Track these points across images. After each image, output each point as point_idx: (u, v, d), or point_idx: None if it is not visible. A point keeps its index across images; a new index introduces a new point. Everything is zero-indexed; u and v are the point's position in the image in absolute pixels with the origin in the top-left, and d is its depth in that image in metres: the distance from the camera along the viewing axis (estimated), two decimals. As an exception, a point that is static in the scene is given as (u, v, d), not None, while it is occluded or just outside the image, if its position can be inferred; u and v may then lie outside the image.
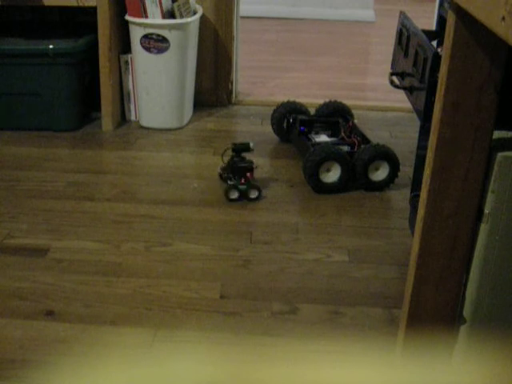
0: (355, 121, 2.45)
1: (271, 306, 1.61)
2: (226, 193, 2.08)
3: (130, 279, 1.70)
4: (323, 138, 2.35)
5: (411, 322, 1.22)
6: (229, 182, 2.13)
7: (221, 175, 2.22)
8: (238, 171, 2.12)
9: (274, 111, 2.56)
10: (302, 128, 2.38)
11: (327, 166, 2.14)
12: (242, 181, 2.10)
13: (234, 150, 2.13)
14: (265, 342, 1.48)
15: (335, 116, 2.50)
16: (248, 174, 2.12)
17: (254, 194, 2.11)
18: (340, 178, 2.15)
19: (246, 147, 2.14)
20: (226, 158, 2.18)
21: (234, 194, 2.09)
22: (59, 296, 1.62)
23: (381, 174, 2.19)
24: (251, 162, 2.14)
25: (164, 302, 1.61)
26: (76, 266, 1.74)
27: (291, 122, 2.44)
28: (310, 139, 2.35)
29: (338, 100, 2.57)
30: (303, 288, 1.68)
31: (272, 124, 2.57)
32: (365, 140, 2.35)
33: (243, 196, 2.10)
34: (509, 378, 1.08)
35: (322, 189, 2.16)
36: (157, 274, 1.72)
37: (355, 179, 2.19)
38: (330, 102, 2.57)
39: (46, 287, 1.65)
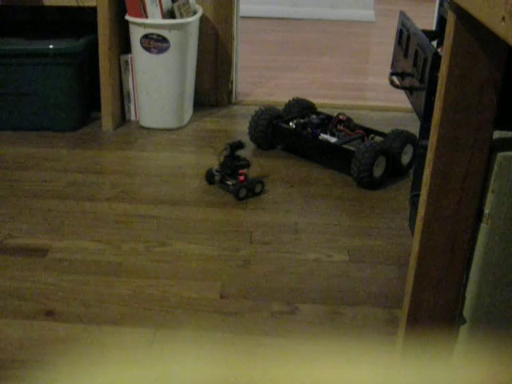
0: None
1: (271, 306, 1.61)
2: (237, 193, 2.09)
3: (129, 279, 1.70)
4: (333, 137, 2.36)
5: (411, 322, 1.22)
6: (228, 183, 2.14)
7: (210, 177, 2.19)
8: (236, 169, 2.14)
9: (257, 119, 2.45)
10: (315, 131, 2.39)
11: (378, 161, 2.18)
12: (242, 178, 2.12)
13: (231, 149, 2.14)
14: (265, 341, 1.48)
15: (308, 114, 2.53)
16: (245, 171, 2.16)
17: (258, 188, 2.14)
18: (385, 171, 2.22)
19: (240, 145, 2.17)
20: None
21: (243, 193, 2.11)
22: (59, 296, 1.62)
23: (408, 157, 2.29)
24: (246, 159, 2.18)
25: (164, 302, 1.61)
26: (76, 265, 1.74)
27: (296, 126, 2.42)
28: (325, 141, 2.34)
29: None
30: (303, 288, 1.68)
31: (253, 132, 2.47)
32: (363, 129, 2.42)
33: (250, 192, 2.12)
34: (509, 378, 1.08)
35: (373, 184, 2.20)
36: (157, 274, 1.72)
37: (390, 168, 2.25)
38: (295, 100, 2.58)
39: (46, 287, 1.65)
